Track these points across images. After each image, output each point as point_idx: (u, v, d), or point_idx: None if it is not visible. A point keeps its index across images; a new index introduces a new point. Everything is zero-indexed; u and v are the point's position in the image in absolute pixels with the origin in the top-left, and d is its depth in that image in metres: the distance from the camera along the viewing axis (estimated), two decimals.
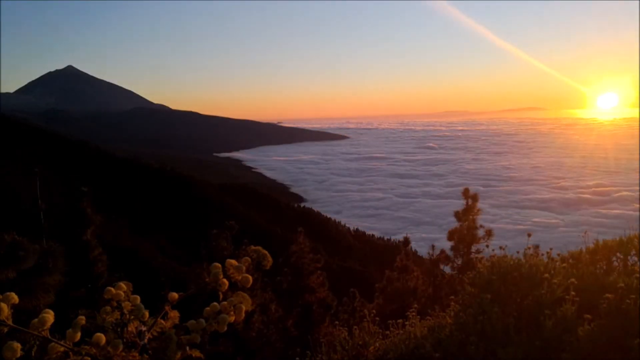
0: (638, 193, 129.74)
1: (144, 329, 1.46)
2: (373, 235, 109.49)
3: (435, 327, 4.12)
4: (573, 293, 3.24)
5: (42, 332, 1.29)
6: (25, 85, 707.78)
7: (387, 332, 4.65)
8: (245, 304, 1.57)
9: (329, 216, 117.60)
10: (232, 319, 1.55)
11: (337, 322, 5.20)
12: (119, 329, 1.44)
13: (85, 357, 1.33)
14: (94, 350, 1.34)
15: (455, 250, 13.46)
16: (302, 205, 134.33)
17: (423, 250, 17.47)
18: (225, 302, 1.55)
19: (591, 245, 4.62)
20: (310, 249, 13.54)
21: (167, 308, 1.51)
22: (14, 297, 1.31)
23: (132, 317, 1.48)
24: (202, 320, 1.53)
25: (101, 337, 1.35)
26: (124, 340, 1.40)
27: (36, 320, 1.30)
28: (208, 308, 1.54)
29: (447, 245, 13.74)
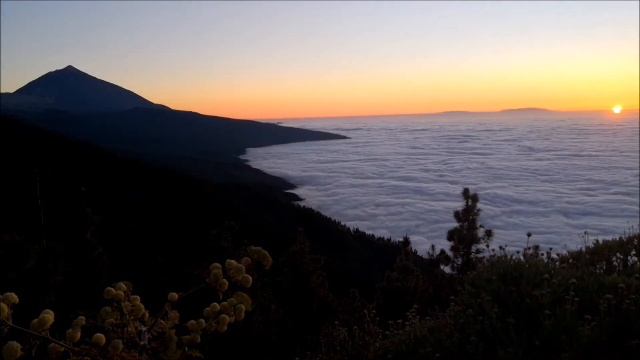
0: (639, 191, 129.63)
1: (144, 329, 1.46)
2: (373, 236, 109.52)
3: (435, 327, 4.12)
4: (573, 293, 3.24)
5: (42, 332, 1.29)
6: (25, 85, 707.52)
7: (387, 332, 4.65)
8: (245, 304, 1.57)
9: (329, 216, 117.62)
10: (232, 319, 1.55)
11: (337, 322, 5.19)
12: (119, 329, 1.44)
13: (85, 357, 1.33)
14: (94, 350, 1.34)
15: (455, 250, 13.47)
16: (302, 205, 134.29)
17: (423, 251, 17.48)
18: (225, 302, 1.55)
19: (591, 245, 4.63)
20: (310, 249, 13.53)
21: (167, 308, 1.51)
22: (14, 297, 1.31)
23: (132, 317, 1.48)
24: (202, 320, 1.52)
25: (101, 337, 1.35)
26: (124, 340, 1.40)
27: (36, 320, 1.30)
28: (208, 308, 1.53)
29: (447, 245, 13.75)
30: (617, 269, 4.30)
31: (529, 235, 4.58)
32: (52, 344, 1.30)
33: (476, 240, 13.28)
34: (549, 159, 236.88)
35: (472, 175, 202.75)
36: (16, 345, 1.21)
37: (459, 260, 13.38)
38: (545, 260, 4.12)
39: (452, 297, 4.31)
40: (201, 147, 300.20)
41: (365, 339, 4.62)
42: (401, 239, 14.28)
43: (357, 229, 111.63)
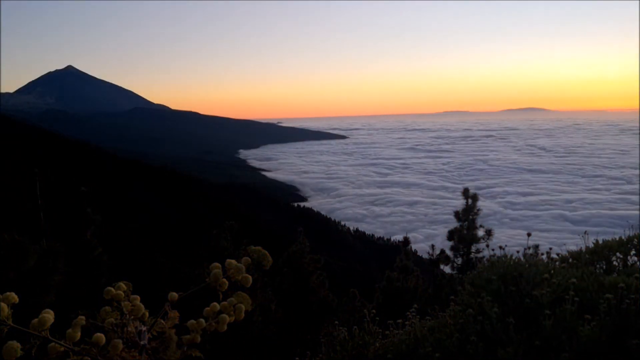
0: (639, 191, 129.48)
1: (144, 328, 1.46)
2: (373, 236, 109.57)
3: (435, 327, 4.12)
4: (573, 293, 3.24)
5: (42, 332, 1.29)
6: (25, 85, 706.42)
7: (387, 332, 4.65)
8: (245, 304, 1.57)
9: (328, 216, 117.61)
10: (232, 319, 1.55)
11: (337, 322, 5.19)
12: (119, 329, 1.44)
13: (85, 357, 1.33)
14: (94, 350, 1.34)
15: (455, 250, 13.46)
16: (302, 205, 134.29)
17: (423, 251, 17.49)
18: (225, 302, 1.55)
19: (591, 245, 4.62)
20: (310, 249, 13.53)
21: (167, 308, 1.51)
22: (14, 297, 1.31)
23: (132, 317, 1.48)
24: (202, 320, 1.52)
25: (101, 337, 1.35)
26: (124, 340, 1.40)
27: (36, 320, 1.30)
28: (208, 308, 1.53)
29: (447, 245, 13.74)
30: (617, 268, 4.29)
31: (529, 235, 4.58)
32: (52, 343, 1.30)
33: (476, 240, 13.28)
34: (549, 158, 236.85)
35: (472, 174, 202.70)
36: (16, 345, 1.21)
37: (459, 260, 13.39)
38: (545, 260, 4.11)
39: (452, 297, 4.31)
40: (201, 147, 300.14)
41: (365, 338, 4.62)
42: (401, 239, 14.28)
43: (357, 229, 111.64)
